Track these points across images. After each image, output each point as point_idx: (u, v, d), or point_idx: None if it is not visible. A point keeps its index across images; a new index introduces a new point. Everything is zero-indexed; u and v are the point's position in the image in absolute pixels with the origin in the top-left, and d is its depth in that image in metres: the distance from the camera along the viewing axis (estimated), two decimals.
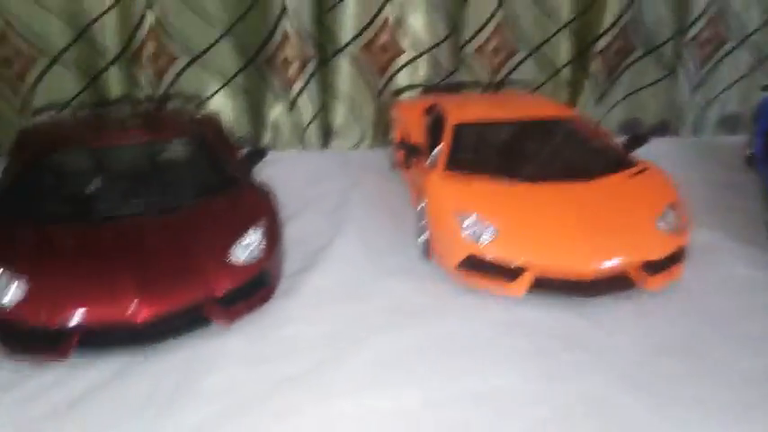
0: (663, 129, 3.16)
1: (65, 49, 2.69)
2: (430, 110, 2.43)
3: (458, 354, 1.54)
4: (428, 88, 2.92)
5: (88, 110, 2.52)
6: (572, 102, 3.11)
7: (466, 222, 1.75)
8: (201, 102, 2.82)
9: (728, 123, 3.19)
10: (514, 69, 3.08)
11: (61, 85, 2.74)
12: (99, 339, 1.45)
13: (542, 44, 3.04)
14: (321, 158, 2.92)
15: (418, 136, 2.32)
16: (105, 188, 1.87)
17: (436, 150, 2.11)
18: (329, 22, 2.82)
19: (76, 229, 1.64)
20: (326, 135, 3.04)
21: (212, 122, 2.29)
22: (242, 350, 1.53)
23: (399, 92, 2.93)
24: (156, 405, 1.34)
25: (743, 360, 1.51)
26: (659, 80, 3.08)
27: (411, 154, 2.18)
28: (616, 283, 1.70)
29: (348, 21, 2.82)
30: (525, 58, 3.06)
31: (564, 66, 3.07)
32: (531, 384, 1.44)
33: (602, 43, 2.95)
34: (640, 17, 2.96)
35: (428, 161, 2.10)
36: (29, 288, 1.44)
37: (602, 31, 2.92)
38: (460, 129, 2.11)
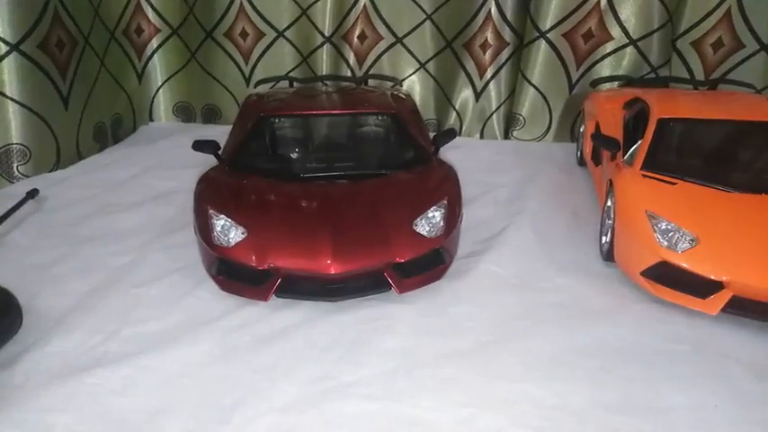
0: None
1: (287, 28, 3.00)
2: (630, 103, 2.27)
3: (629, 363, 1.45)
4: (630, 81, 2.71)
5: (301, 83, 2.74)
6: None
7: (661, 226, 1.62)
8: (397, 82, 2.95)
9: None
10: (736, 66, 2.75)
11: (280, 60, 3.06)
12: (295, 288, 1.63)
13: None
14: (502, 147, 2.91)
15: (613, 131, 2.17)
16: (314, 152, 2.11)
17: (635, 146, 1.97)
18: (534, 6, 2.74)
19: (285, 187, 1.84)
20: (510, 124, 3.01)
21: (408, 102, 2.40)
22: (413, 320, 1.61)
23: (597, 82, 2.76)
24: (337, 351, 1.49)
25: None
26: None
27: (605, 147, 2.05)
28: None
29: (554, 4, 2.70)
30: (752, 55, 2.72)
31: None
32: (708, 409, 1.31)
33: None
34: None
35: (624, 157, 1.97)
36: (244, 235, 1.67)
37: None
38: (666, 124, 1.93)
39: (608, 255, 1.83)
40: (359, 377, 1.40)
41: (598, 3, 2.69)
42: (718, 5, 2.64)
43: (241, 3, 2.95)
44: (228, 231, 1.66)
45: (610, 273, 1.81)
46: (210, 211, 1.71)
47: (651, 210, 1.66)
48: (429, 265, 1.70)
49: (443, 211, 1.74)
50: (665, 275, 1.61)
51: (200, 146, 2.01)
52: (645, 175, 1.79)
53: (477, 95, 2.99)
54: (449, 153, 2.44)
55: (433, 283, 1.71)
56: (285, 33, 2.99)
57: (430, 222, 1.71)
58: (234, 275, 1.65)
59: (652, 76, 2.76)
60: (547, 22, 2.73)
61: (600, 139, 2.10)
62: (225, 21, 3.00)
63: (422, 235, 1.68)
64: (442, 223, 1.71)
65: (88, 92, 2.72)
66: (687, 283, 1.58)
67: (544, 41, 2.75)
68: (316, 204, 1.74)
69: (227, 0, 2.96)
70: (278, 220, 1.68)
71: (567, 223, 2.13)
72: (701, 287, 1.56)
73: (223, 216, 1.69)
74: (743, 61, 2.71)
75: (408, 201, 1.76)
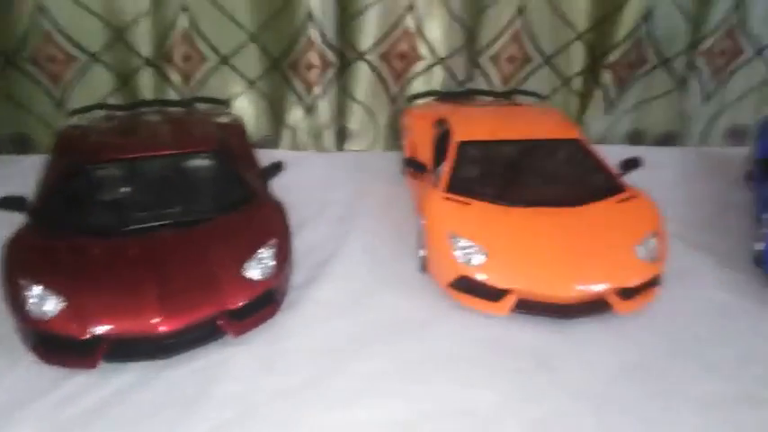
0: (670, 139, 3.17)
1: (102, 50, 2.82)
2: (438, 123, 2.47)
3: (446, 369, 1.66)
4: (438, 95, 2.91)
5: (121, 114, 2.54)
6: (581, 111, 3.12)
7: (459, 245, 1.85)
8: (227, 104, 2.87)
9: (738, 135, 3.16)
10: (527, 79, 3.10)
11: (96, 84, 2.87)
12: (124, 350, 1.57)
13: (556, 54, 3.04)
14: (335, 160, 2.99)
15: (426, 148, 2.38)
16: (133, 201, 1.94)
17: (440, 169, 2.17)
18: (351, 31, 2.88)
19: (105, 243, 1.73)
20: (342, 138, 3.14)
21: (237, 130, 2.32)
22: (247, 362, 1.65)
23: (412, 98, 2.94)
24: (173, 409, 1.49)
25: (707, 383, 1.61)
26: (669, 91, 3.07)
27: (414, 169, 2.25)
28: (594, 307, 1.80)
29: (369, 29, 2.87)
30: (538, 68, 3.08)
31: (575, 75, 3.06)
32: (508, 402, 1.55)
33: (615, 55, 2.93)
34: (654, 30, 2.93)
35: (433, 179, 2.17)
36: (64, 303, 1.56)
37: (615, 42, 2.90)
38: (464, 147, 2.16)
39: (424, 267, 2.04)
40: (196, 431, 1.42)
41: (407, 27, 2.89)
42: (508, 24, 2.97)
43: (45, 25, 2.70)
44: (45, 302, 1.55)
45: (427, 285, 1.99)
46: (22, 281, 1.58)
47: (452, 230, 1.88)
48: (262, 304, 1.72)
49: (274, 250, 1.75)
50: (466, 286, 1.85)
51: (4, 204, 1.83)
52: (448, 197, 2.01)
53: (308, 113, 3.04)
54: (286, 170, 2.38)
55: (267, 321, 1.75)
56: (100, 56, 2.80)
57: (260, 264, 1.71)
58: (55, 346, 1.56)
59: (458, 90, 3.02)
60: (364, 44, 2.89)
61: (410, 162, 2.31)
62: (28, 44, 2.73)
63: (252, 279, 1.69)
64: (272, 263, 1.73)
65: None
66: (483, 292, 1.83)
67: (364, 62, 2.91)
68: (139, 260, 1.66)
69: (27, 22, 2.69)
70: (99, 283, 1.60)
71: (393, 236, 2.28)
72: (493, 294, 1.82)
73: (39, 285, 1.57)
74: (532, 72, 3.09)
75: (237, 244, 1.75)
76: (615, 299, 1.79)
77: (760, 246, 2.05)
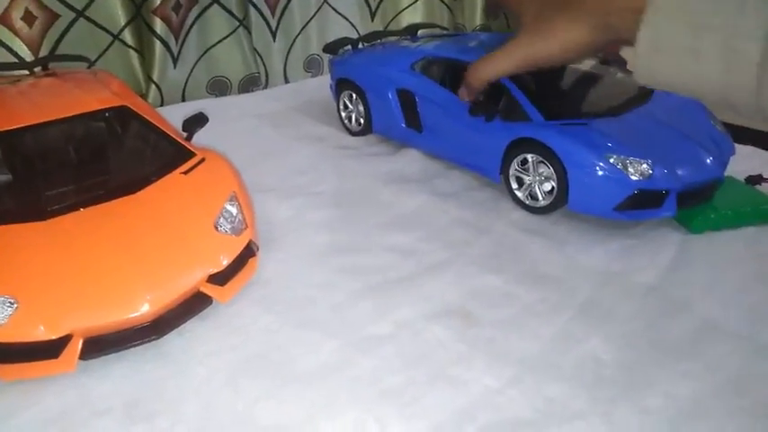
0: (254, 82, 2.92)
1: None
2: None
3: None
4: None
5: None
6: (148, 69, 2.59)
7: None
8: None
9: (315, 65, 3.14)
10: (62, 38, 2.37)
11: None
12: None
13: (89, 5, 2.40)
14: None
15: None
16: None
17: None
18: None
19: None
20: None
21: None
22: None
23: None
24: None
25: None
26: (233, 31, 2.76)
27: None
28: (191, 307, 1.33)
29: None
30: (73, 23, 2.37)
31: (123, 29, 2.49)
32: None
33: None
34: None
35: None
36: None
37: None
38: None
39: None
40: None
41: None
42: None
43: None
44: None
45: None
46: None
47: None
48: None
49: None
50: (5, 354, 1.20)
51: None
52: None
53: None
54: None
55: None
56: None
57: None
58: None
59: None
60: None
61: None
62: None
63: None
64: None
65: None
66: (32, 352, 1.20)
67: None
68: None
69: None
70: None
71: None
72: (49, 349, 1.21)
73: None
74: (66, 32, 2.41)
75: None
76: (211, 288, 1.36)
77: None
